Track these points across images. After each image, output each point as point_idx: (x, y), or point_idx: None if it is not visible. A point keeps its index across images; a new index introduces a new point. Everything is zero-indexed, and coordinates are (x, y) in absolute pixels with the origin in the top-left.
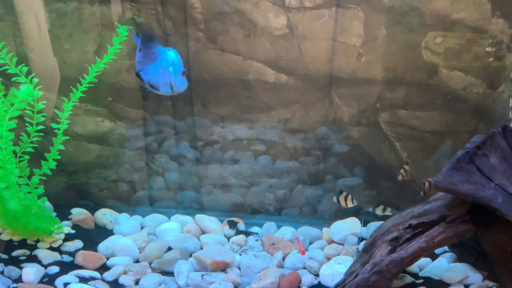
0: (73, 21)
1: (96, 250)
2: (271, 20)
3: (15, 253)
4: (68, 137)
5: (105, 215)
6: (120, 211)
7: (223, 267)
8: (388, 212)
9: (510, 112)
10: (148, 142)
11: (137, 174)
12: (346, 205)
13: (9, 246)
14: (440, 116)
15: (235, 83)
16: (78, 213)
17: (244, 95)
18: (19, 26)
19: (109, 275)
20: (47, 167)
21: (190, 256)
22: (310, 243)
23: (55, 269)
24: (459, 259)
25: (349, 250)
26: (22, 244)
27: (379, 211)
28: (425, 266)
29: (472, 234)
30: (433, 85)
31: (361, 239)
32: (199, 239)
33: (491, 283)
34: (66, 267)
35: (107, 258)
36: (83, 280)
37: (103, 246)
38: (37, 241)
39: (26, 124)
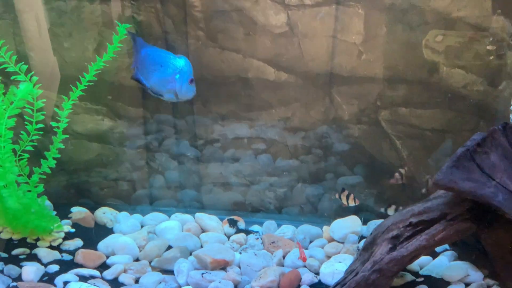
0: (72, 20)
1: (96, 249)
2: (271, 18)
3: (15, 251)
4: (68, 136)
5: (105, 214)
6: (120, 210)
7: (223, 266)
8: None
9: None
10: (148, 141)
11: (137, 172)
12: (348, 203)
13: (9, 244)
14: (441, 114)
15: (235, 81)
16: (78, 211)
17: (244, 94)
18: (18, 24)
19: (109, 274)
20: (47, 165)
21: (190, 254)
22: (311, 242)
23: (55, 267)
24: (460, 257)
25: (350, 248)
26: (22, 242)
27: (391, 211)
28: (425, 264)
29: (473, 232)
30: (433, 83)
31: (361, 237)
32: (199, 238)
33: (491, 282)
34: (66, 265)
35: (107, 257)
36: (83, 278)
37: (103, 244)
38: (37, 239)
39: (26, 123)
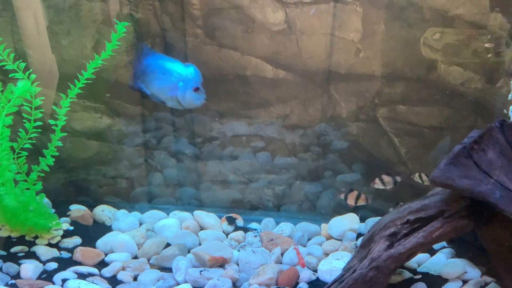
0: (71, 17)
1: (94, 247)
2: (269, 16)
3: (14, 249)
4: (66, 134)
5: (103, 212)
6: (118, 208)
7: (221, 263)
8: None
9: (511, 108)
10: (146, 139)
11: (135, 170)
12: (356, 204)
13: (8, 242)
14: (439, 112)
15: (233, 79)
16: (77, 209)
17: (243, 91)
18: (17, 22)
19: (107, 271)
20: (45, 163)
21: (189, 252)
22: (309, 239)
23: (53, 265)
24: (458, 254)
25: (348, 245)
26: (21, 240)
27: None
28: (423, 262)
29: (470, 229)
30: (431, 80)
31: (359, 234)
32: (197, 235)
33: (489, 279)
34: (65, 263)
35: (106, 254)
36: (82, 276)
37: (101, 242)
38: (36, 237)
39: (24, 121)
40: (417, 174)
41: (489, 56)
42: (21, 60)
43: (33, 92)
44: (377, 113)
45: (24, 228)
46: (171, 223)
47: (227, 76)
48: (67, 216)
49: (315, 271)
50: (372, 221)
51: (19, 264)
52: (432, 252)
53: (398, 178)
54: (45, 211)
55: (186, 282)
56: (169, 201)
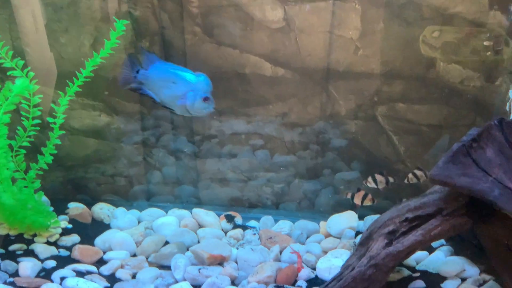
0: (69, 15)
1: (93, 245)
2: (268, 13)
3: (12, 247)
4: (64, 132)
5: (102, 210)
6: (117, 206)
7: (220, 261)
8: None
9: (507, 105)
10: (145, 136)
11: (134, 168)
12: (362, 204)
13: (6, 240)
14: (438, 110)
15: (232, 77)
16: (75, 207)
17: (242, 89)
18: (15, 20)
19: (106, 269)
20: (44, 161)
21: (187, 250)
22: (307, 237)
23: (51, 263)
24: (456, 252)
25: (346, 243)
26: (19, 238)
27: None
28: (422, 260)
29: (469, 227)
30: (430, 78)
31: (358, 232)
32: (196, 233)
33: (487, 277)
34: (63, 261)
35: (104, 252)
36: (80, 274)
37: (100, 240)
38: (34, 235)
39: (22, 118)
40: (410, 175)
41: (488, 54)
42: (19, 58)
43: (31, 90)
44: (376, 111)
45: (23, 226)
46: (169, 221)
47: (226, 74)
48: (66, 214)
49: (314, 269)
50: (371, 219)
51: (17, 262)
52: (431, 250)
53: (391, 179)
54: (43, 209)
55: (184, 280)
56: (167, 199)
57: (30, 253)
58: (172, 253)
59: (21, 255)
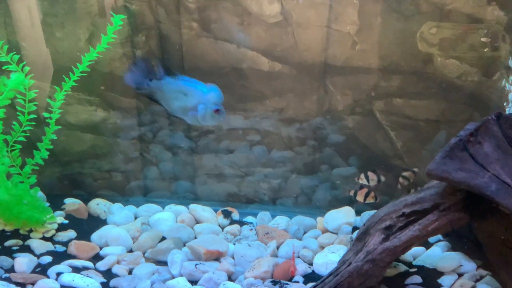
0: (65, 9)
1: (89, 240)
2: (265, 8)
3: (8, 243)
4: (61, 127)
5: (98, 205)
6: (113, 201)
7: (216, 257)
8: None
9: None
10: (142, 132)
11: (131, 164)
12: (365, 201)
13: (2, 236)
14: (435, 105)
15: (229, 71)
16: (72, 203)
17: (239, 84)
18: (10, 14)
19: (102, 265)
20: (40, 156)
21: (184, 245)
22: (304, 232)
23: (47, 259)
24: (453, 248)
25: (343, 239)
26: (15, 234)
27: None
28: (419, 255)
29: (466, 222)
30: (428, 73)
31: (355, 228)
32: (193, 229)
33: (484, 272)
34: (59, 257)
35: (100, 248)
36: (76, 270)
37: (96, 236)
38: (30, 231)
39: (18, 113)
40: (400, 179)
41: (485, 49)
42: (14, 52)
43: (27, 84)
44: (373, 107)
45: (18, 221)
46: (166, 216)
47: (223, 69)
48: (62, 209)
49: (311, 264)
50: (367, 214)
51: (13, 258)
52: (428, 245)
53: (382, 178)
54: (39, 204)
55: (181, 275)
56: (164, 195)
57: (26, 249)
58: (169, 249)
59: (16, 251)
